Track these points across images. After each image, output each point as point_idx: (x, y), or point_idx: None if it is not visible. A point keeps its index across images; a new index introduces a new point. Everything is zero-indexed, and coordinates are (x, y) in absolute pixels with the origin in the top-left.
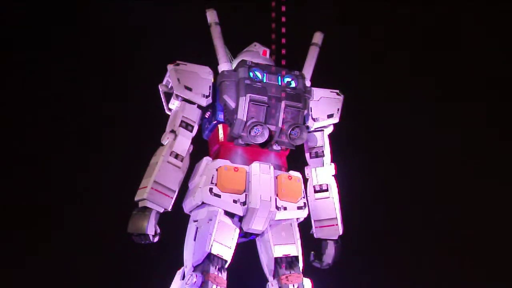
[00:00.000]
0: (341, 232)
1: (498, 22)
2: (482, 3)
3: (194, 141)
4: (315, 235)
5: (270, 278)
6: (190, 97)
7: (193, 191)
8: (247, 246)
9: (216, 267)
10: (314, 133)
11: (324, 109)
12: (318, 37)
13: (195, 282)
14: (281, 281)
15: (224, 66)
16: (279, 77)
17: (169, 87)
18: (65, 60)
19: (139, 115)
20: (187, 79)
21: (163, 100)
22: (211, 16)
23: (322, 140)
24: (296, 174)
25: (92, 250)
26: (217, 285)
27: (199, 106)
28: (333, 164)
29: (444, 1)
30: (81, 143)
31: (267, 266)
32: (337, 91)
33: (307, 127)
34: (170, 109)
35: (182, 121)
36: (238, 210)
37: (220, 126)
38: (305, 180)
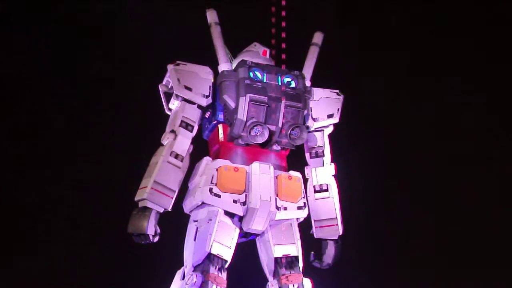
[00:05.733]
0: (341, 232)
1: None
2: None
3: (194, 141)
4: (315, 235)
5: (270, 278)
6: (190, 97)
7: (193, 191)
8: (247, 246)
9: (216, 267)
10: (314, 133)
11: (324, 109)
12: (318, 37)
13: (195, 282)
14: (281, 281)
15: (224, 66)
16: (279, 77)
17: (169, 87)
18: (65, 60)
19: (139, 115)
20: (187, 79)
21: (163, 100)
22: (211, 16)
23: (322, 140)
24: (296, 174)
25: (92, 250)
26: (217, 285)
27: (199, 106)
28: (333, 164)
29: (444, 1)
30: (81, 143)
31: (267, 266)
32: (337, 91)
33: (307, 127)
34: (170, 109)
35: (182, 121)
36: (238, 210)
37: (220, 126)
38: (305, 180)
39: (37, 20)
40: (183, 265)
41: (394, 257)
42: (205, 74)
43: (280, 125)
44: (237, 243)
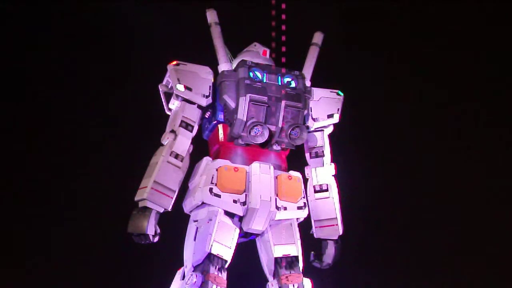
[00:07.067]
0: (341, 232)
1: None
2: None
3: (194, 141)
4: (315, 235)
5: (270, 278)
6: (190, 97)
7: (193, 191)
8: (247, 246)
9: (216, 267)
10: (314, 133)
11: (324, 109)
12: (318, 37)
13: (195, 282)
14: (281, 281)
15: (224, 66)
16: (279, 77)
17: (169, 87)
18: (65, 60)
19: (139, 115)
20: (187, 79)
21: (163, 100)
22: (211, 16)
23: (322, 140)
24: (296, 174)
25: (92, 250)
26: (217, 285)
27: (199, 106)
28: (333, 164)
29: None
30: (81, 143)
31: (267, 266)
32: (337, 91)
33: (307, 127)
34: (170, 109)
35: (182, 121)
36: (238, 210)
37: (220, 126)
38: (305, 180)
39: (37, 20)
40: (183, 265)
41: (394, 257)
42: (205, 74)
43: (280, 125)
44: (237, 243)
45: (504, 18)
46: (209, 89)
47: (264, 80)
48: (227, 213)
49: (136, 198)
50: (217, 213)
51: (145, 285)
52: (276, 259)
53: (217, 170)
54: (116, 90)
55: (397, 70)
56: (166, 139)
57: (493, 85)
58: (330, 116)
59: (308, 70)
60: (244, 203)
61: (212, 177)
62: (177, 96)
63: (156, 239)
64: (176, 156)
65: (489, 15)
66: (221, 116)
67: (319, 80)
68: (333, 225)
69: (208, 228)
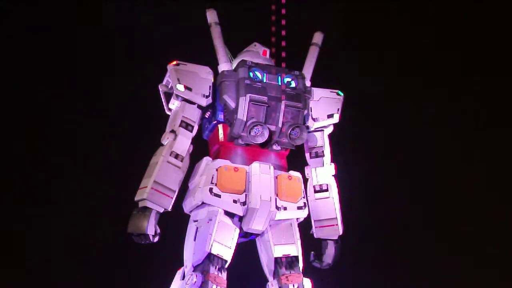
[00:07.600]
0: (341, 232)
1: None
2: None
3: (194, 141)
4: (315, 235)
5: (270, 278)
6: (190, 97)
7: (193, 191)
8: (247, 246)
9: (216, 267)
10: (314, 133)
11: (324, 109)
12: (318, 37)
13: (195, 282)
14: (281, 281)
15: (224, 66)
16: (279, 77)
17: (169, 87)
18: (65, 60)
19: (139, 115)
20: (187, 79)
21: (163, 100)
22: (211, 16)
23: (322, 140)
24: (296, 174)
25: (92, 250)
26: (217, 285)
27: (199, 106)
28: (333, 164)
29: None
30: (81, 143)
31: (267, 266)
32: (337, 91)
33: (307, 127)
34: (170, 109)
35: (182, 121)
36: (238, 210)
37: (220, 126)
38: (305, 180)
39: (37, 20)
40: (183, 265)
41: (394, 257)
42: (205, 74)
43: (280, 125)
44: (237, 243)
45: (505, 18)
46: (209, 89)
47: (264, 80)
48: (227, 213)
49: (136, 198)
50: (217, 213)
51: (145, 285)
52: (276, 259)
53: (217, 170)
54: (116, 90)
55: (397, 70)
56: (166, 139)
57: (493, 85)
58: (330, 116)
59: (308, 70)
60: (244, 203)
61: (212, 177)
62: (177, 96)
63: (156, 239)
64: (176, 156)
65: (489, 15)
66: (221, 116)
67: (319, 80)
68: (333, 225)
69: (208, 228)
